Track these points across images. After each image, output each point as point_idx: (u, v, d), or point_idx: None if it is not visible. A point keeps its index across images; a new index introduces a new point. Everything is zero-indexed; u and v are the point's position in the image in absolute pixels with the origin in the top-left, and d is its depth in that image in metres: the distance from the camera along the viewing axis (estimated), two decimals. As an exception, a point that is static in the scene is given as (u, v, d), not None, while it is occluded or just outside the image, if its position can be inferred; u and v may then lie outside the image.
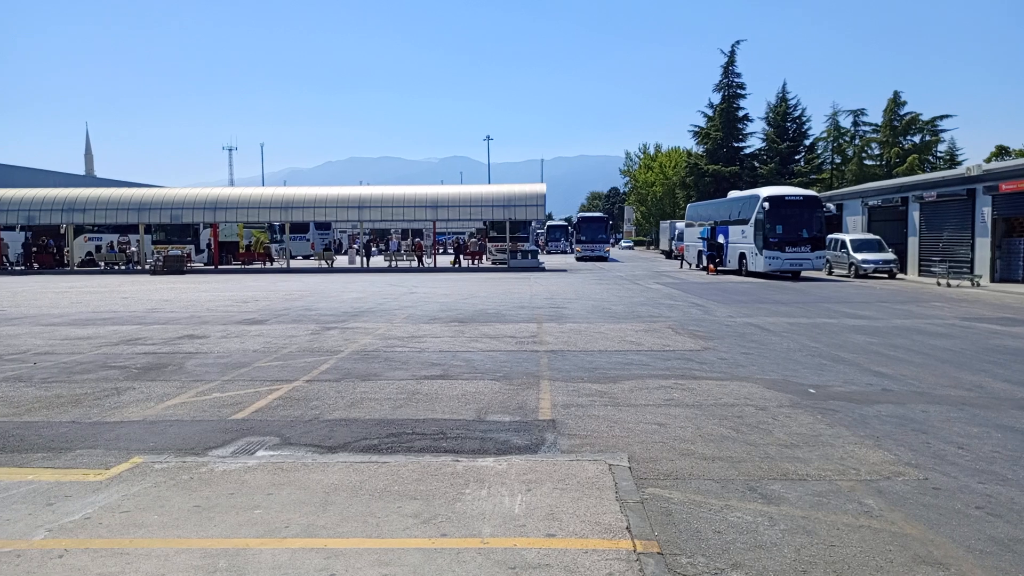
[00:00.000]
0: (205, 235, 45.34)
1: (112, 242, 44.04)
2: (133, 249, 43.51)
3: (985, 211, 28.62)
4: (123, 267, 42.04)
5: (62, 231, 43.45)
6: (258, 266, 44.56)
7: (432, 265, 44.19)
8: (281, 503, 5.17)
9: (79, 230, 43.33)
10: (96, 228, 43.71)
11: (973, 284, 27.31)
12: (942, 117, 58.57)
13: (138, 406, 8.30)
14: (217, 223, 42.39)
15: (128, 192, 42.26)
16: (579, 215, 63.97)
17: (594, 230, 54.48)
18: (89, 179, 65.81)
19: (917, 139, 58.56)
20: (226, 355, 11.80)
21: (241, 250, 46.43)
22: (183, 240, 44.89)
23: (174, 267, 37.72)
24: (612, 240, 75.49)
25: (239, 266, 44.35)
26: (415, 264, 44.26)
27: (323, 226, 58.21)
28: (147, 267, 40.37)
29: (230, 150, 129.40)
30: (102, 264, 42.41)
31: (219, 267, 43.06)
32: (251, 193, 41.61)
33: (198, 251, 45.39)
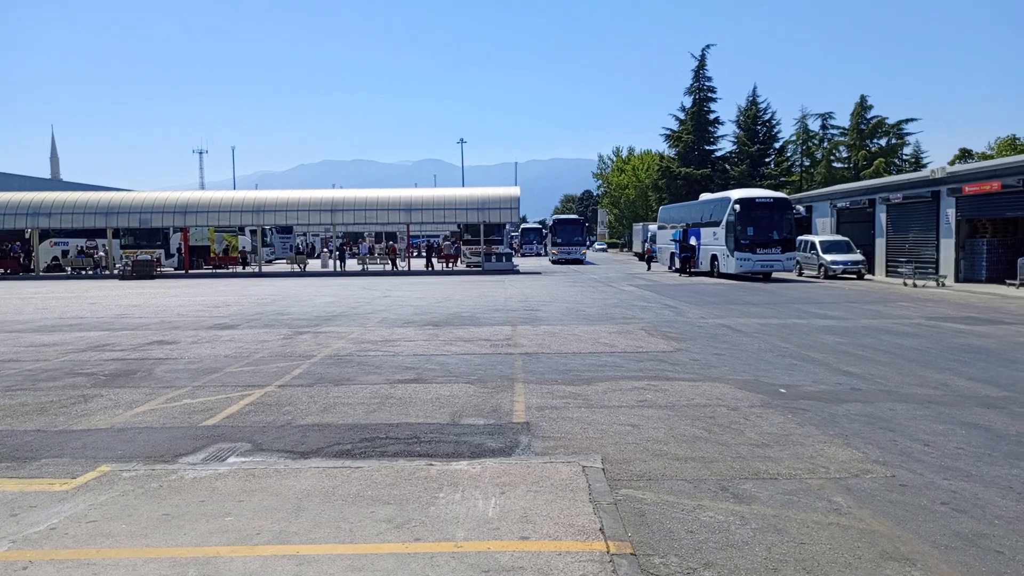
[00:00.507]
0: (175, 239, 44.71)
1: (81, 246, 43.25)
2: (101, 254, 42.77)
3: (949, 213, 29.21)
4: (91, 272, 41.31)
5: (27, 235, 42.59)
6: (230, 270, 44.04)
7: (406, 268, 44.02)
8: (252, 510, 5.12)
9: (44, 235, 42.51)
10: (62, 232, 42.92)
11: (938, 284, 27.85)
12: (907, 120, 59.77)
13: (106, 413, 8.16)
14: (187, 227, 41.83)
15: (95, 196, 41.58)
16: (555, 217, 61.19)
17: (570, 232, 53.47)
18: (55, 183, 64.52)
19: (883, 142, 59.69)
20: (197, 361, 11.65)
21: (212, 254, 45.85)
22: (152, 244, 44.22)
23: (143, 272, 37.13)
24: (588, 243, 74.98)
25: (210, 270, 43.81)
26: (389, 268, 44.05)
27: (284, 230, 57.63)
28: (115, 272, 39.71)
29: (200, 153, 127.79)
30: (69, 269, 41.63)
31: (190, 271, 42.49)
32: (222, 197, 41.13)
33: (168, 255, 44.75)
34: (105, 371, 10.82)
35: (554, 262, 52.52)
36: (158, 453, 6.61)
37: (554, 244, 53.65)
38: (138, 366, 11.22)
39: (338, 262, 45.10)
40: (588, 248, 78.18)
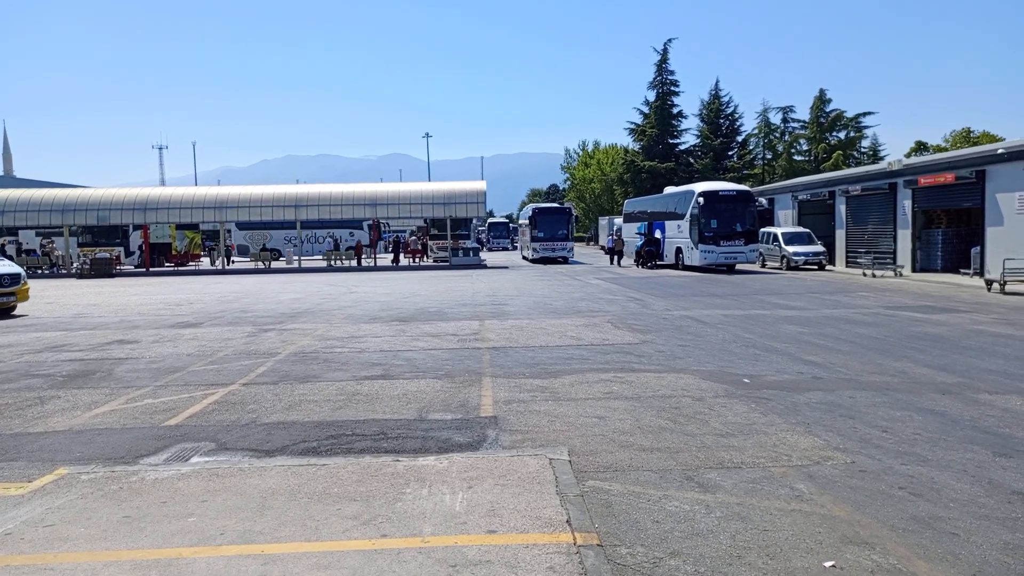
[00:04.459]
0: (135, 237, 43.80)
1: (34, 245, 42.13)
2: (59, 253, 41.70)
3: (906, 204, 29.87)
4: (47, 271, 40.27)
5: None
6: (192, 267, 43.34)
7: (372, 264, 43.70)
8: (216, 510, 5.04)
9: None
10: (15, 230, 41.78)
11: (896, 274, 28.49)
12: (865, 114, 60.97)
13: (64, 415, 7.97)
14: (148, 224, 41.01)
15: (51, 192, 40.50)
16: (535, 206, 48.49)
17: (553, 225, 44.16)
18: (8, 179, 62.76)
19: (842, 135, 60.76)
20: (158, 360, 11.44)
21: (174, 251, 45.01)
22: (111, 242, 43.26)
23: (102, 270, 36.33)
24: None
25: (172, 268, 43.02)
26: (354, 263, 43.68)
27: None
28: (73, 270, 38.80)
29: (160, 149, 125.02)
30: (23, 268, 40.53)
31: (151, 269, 41.68)
32: (183, 193, 40.42)
33: (128, 253, 43.82)
34: (63, 372, 10.57)
35: (534, 260, 44.17)
36: (118, 454, 6.48)
37: (534, 239, 44.21)
38: (97, 366, 10.98)
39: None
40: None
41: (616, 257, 40.46)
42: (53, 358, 11.81)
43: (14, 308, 18.87)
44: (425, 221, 50.10)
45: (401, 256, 45.13)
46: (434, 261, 44.67)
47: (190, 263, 44.79)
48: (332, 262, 43.58)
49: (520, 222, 60.11)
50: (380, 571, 4.08)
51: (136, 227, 42.67)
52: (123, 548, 4.45)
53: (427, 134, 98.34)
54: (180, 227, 45.37)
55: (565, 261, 43.82)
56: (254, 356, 11.63)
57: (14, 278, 18.45)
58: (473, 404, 8.11)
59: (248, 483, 5.58)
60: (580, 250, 72.03)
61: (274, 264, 44.00)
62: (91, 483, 5.67)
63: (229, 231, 62.24)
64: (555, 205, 53.41)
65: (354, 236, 51.40)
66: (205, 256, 49.94)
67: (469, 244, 45.45)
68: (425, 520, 4.78)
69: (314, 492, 5.35)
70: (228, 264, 43.96)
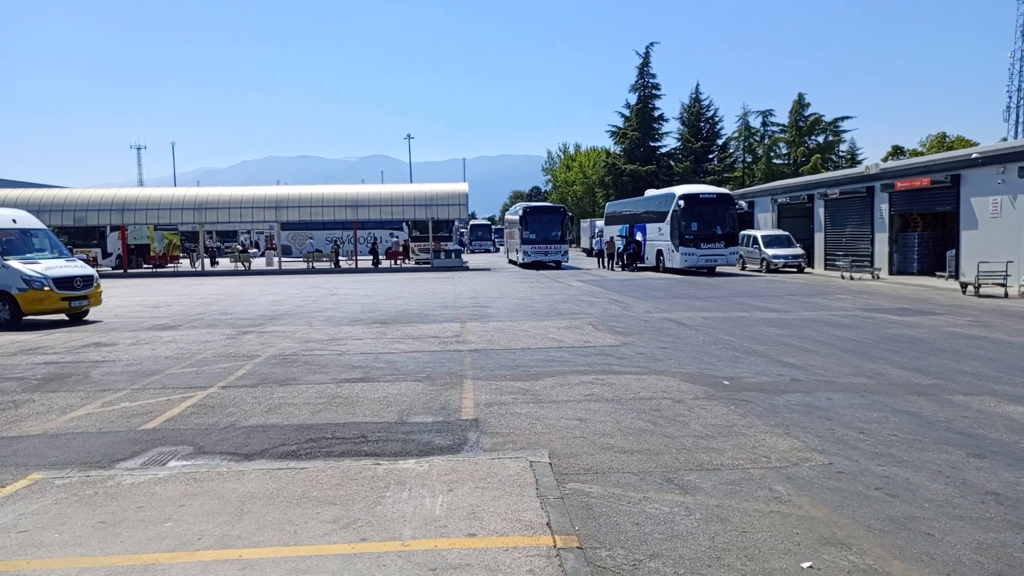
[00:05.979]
0: (113, 238, 43.29)
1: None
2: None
3: (883, 207, 30.22)
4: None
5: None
6: (171, 269, 42.92)
7: (353, 266, 43.51)
8: (194, 514, 5.00)
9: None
10: None
11: (873, 277, 28.82)
12: (843, 118, 61.53)
13: (38, 419, 7.86)
14: (126, 225, 40.55)
15: (26, 193, 39.91)
16: (525, 205, 44.05)
17: (547, 226, 40.17)
18: (-19, 179, 61.76)
19: (821, 139, 61.34)
20: (136, 363, 11.31)
21: (153, 253, 44.54)
22: (88, 244, 42.71)
23: (78, 272, 35.83)
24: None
25: (150, 270, 42.57)
26: (333, 265, 43.47)
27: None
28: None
29: (138, 149, 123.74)
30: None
31: (129, 271, 41.20)
32: (162, 194, 40.00)
33: (105, 255, 43.28)
34: (37, 375, 10.42)
35: (524, 265, 40.62)
36: (94, 459, 6.40)
37: (525, 241, 40.15)
38: (73, 369, 10.83)
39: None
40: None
41: (609, 260, 39.09)
42: (27, 361, 11.64)
43: (86, 312, 17.73)
44: (407, 223, 49.90)
45: (381, 258, 44.93)
46: (416, 263, 44.54)
47: (169, 264, 44.35)
48: (312, 264, 43.35)
49: (507, 221, 55.75)
50: (359, 575, 4.06)
51: (114, 228, 42.17)
52: (98, 554, 4.40)
53: (409, 135, 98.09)
54: (159, 228, 44.92)
55: (558, 266, 40.65)
56: (233, 359, 11.54)
57: (87, 280, 17.16)
58: (454, 407, 8.09)
59: (226, 487, 5.54)
60: (562, 252, 72.04)
61: (316, 264, 43.65)
62: (66, 488, 5.59)
63: (271, 230, 61.47)
64: (548, 204, 50.05)
65: (394, 236, 51.07)
66: (185, 258, 49.64)
67: (451, 246, 45.35)
68: (405, 524, 4.77)
69: (293, 496, 5.32)
70: (211, 266, 43.61)
